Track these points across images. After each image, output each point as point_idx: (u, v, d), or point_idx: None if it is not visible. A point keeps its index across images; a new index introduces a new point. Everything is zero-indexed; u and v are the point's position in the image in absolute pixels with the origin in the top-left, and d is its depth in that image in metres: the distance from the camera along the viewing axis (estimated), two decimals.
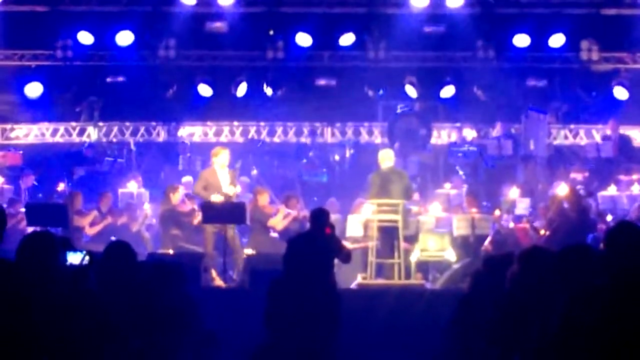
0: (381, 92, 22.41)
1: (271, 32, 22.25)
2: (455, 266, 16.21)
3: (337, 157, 22.32)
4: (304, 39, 21.93)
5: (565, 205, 16.53)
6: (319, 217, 11.64)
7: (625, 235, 6.01)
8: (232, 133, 22.90)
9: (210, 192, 15.88)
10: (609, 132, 21.74)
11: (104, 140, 22.63)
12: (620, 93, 21.99)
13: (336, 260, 12.10)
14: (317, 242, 11.29)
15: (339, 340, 11.30)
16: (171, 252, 15.53)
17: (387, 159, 16.52)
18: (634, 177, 19.92)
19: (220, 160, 16.32)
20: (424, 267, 16.46)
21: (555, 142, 22.56)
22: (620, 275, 5.45)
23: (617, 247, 5.95)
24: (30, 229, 15.39)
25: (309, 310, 10.82)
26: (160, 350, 8.80)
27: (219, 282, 15.07)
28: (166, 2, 21.91)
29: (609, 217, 17.74)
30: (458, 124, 22.56)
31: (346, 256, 12.26)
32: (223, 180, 16.12)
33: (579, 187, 18.05)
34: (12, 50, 22.41)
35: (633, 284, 4.70)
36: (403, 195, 15.90)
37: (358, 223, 16.55)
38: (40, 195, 19.97)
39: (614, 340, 4.94)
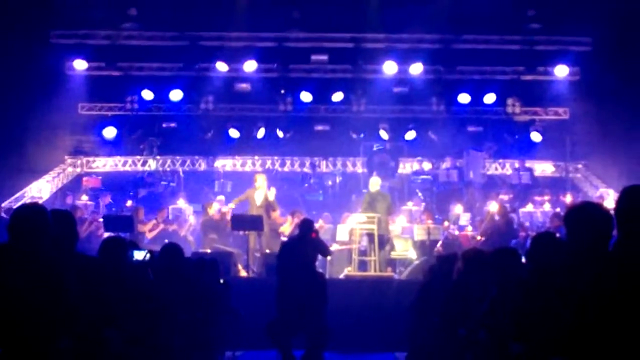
0: (362, 135, 22.38)
1: (282, 91, 22.31)
2: (416, 262, 16.16)
3: (330, 183, 22.26)
4: (306, 96, 21.99)
5: (496, 218, 16.53)
6: (305, 225, 11.78)
7: (544, 242, 6.06)
8: (254, 164, 22.84)
9: (248, 204, 16.36)
10: (517, 165, 21.87)
11: (160, 169, 22.56)
12: (536, 137, 22.03)
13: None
14: (303, 243, 11.51)
15: (330, 316, 11.30)
16: (209, 251, 15.45)
17: (375, 184, 16.60)
18: (545, 198, 19.93)
19: (256, 183, 16.48)
20: (392, 263, 16.42)
21: (489, 172, 22.54)
22: (538, 271, 5.47)
23: (538, 250, 5.98)
24: (106, 234, 15.36)
25: (300, 290, 10.92)
26: (199, 321, 8.80)
27: (243, 273, 15.02)
28: (206, 68, 22.01)
29: (528, 225, 17.75)
30: (418, 159, 22.50)
31: (326, 252, 12.41)
32: (257, 197, 16.22)
33: (505, 205, 18.05)
34: (94, 103, 22.49)
35: (547, 277, 4.73)
36: (385, 212, 15.92)
37: (345, 231, 16.56)
38: (113, 209, 19.89)
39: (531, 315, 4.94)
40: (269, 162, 22.86)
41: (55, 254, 5.02)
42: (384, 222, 15.78)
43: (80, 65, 21.68)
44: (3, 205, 18.18)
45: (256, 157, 22.89)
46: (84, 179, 21.79)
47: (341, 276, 15.33)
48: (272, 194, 16.44)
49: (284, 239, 15.42)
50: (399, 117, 22.53)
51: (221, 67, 21.67)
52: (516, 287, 5.84)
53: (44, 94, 20.55)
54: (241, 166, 22.92)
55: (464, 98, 22.03)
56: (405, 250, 16.88)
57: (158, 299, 7.29)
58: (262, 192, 16.31)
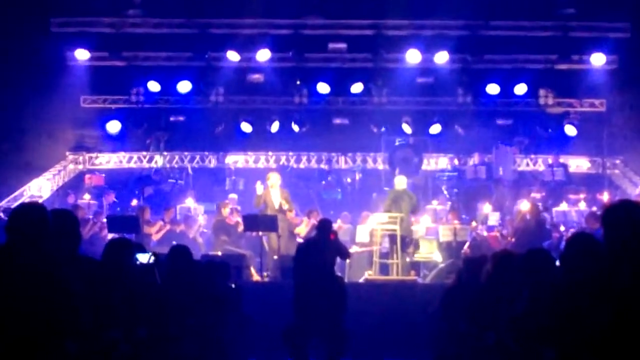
0: (383, 129, 22.33)
1: (298, 82, 22.33)
2: (441, 265, 16.16)
3: (349, 180, 22.29)
4: (323, 88, 22.00)
5: (527, 217, 16.48)
6: (324, 226, 11.75)
7: (580, 242, 6.03)
8: (267, 160, 22.85)
9: (266, 207, 15.88)
10: (550, 160, 21.78)
11: (168, 166, 22.64)
12: (570, 130, 21.96)
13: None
14: (321, 245, 11.49)
15: (349, 322, 11.31)
16: (219, 253, 15.48)
17: (402, 182, 16.67)
18: (581, 196, 19.85)
19: (270, 182, 16.18)
20: (416, 266, 16.41)
21: (519, 169, 22.47)
22: (572, 275, 5.45)
23: (573, 252, 5.96)
24: (110, 236, 15.41)
25: (318, 295, 10.92)
26: (209, 328, 8.84)
27: (256, 277, 15.04)
28: (216, 58, 22.05)
29: (562, 228, 17.68)
30: (450, 156, 22.47)
31: (345, 254, 12.39)
32: (274, 199, 16.02)
33: (537, 203, 17.98)
34: (97, 95, 22.56)
35: (582, 280, 4.70)
36: (410, 211, 15.96)
37: (365, 231, 16.57)
38: (118, 209, 19.98)
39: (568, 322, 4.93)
40: (283, 158, 22.88)
41: (56, 256, 5.05)
42: (406, 222, 15.77)
43: (82, 55, 21.77)
44: (1, 204, 18.33)
45: (270, 153, 22.90)
46: (87, 176, 21.85)
47: (361, 280, 15.35)
48: (284, 201, 16.08)
49: (300, 240, 15.43)
50: (423, 109, 22.50)
51: (232, 56, 21.70)
52: (549, 292, 5.82)
53: (43, 86, 20.64)
54: (254, 162, 22.94)
55: (492, 89, 21.97)
56: (429, 252, 16.86)
57: (164, 303, 7.32)
58: (276, 191, 16.22)
